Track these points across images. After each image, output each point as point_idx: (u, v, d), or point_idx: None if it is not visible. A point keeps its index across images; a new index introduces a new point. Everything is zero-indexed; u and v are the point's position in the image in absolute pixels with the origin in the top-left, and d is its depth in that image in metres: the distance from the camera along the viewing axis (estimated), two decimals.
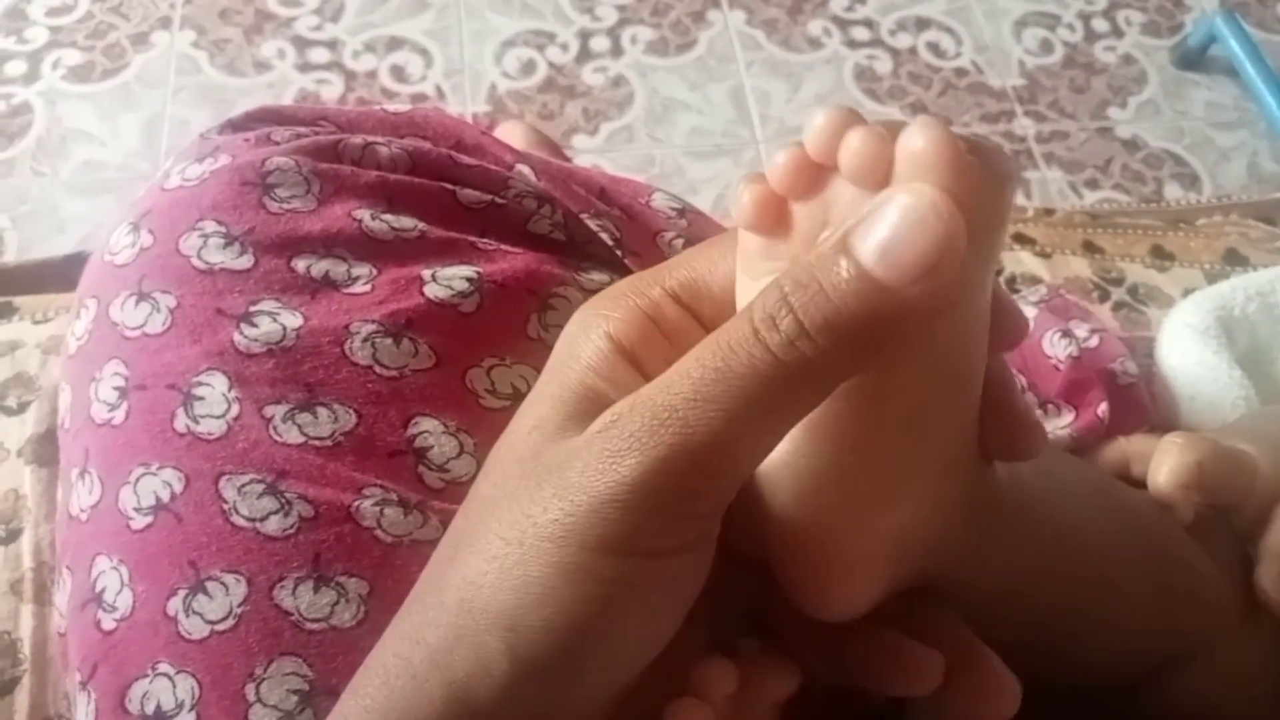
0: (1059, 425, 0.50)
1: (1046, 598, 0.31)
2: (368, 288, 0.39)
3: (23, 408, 0.52)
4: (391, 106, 0.48)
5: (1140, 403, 0.52)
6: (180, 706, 0.33)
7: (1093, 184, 1.21)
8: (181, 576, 0.34)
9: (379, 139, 0.43)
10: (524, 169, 0.45)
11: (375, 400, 0.37)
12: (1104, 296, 0.65)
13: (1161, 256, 0.69)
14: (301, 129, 0.43)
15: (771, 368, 0.21)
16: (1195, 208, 0.80)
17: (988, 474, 0.27)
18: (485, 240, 0.42)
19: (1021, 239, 0.69)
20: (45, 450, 0.50)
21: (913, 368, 0.23)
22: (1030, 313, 0.54)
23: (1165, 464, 0.38)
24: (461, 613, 0.22)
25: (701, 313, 0.25)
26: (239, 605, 0.33)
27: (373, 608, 0.34)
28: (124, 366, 0.37)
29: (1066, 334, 0.52)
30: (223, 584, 0.34)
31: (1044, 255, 0.68)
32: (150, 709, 0.33)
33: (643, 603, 0.23)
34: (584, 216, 0.44)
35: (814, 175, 0.23)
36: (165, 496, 0.35)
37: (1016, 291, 0.60)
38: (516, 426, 0.25)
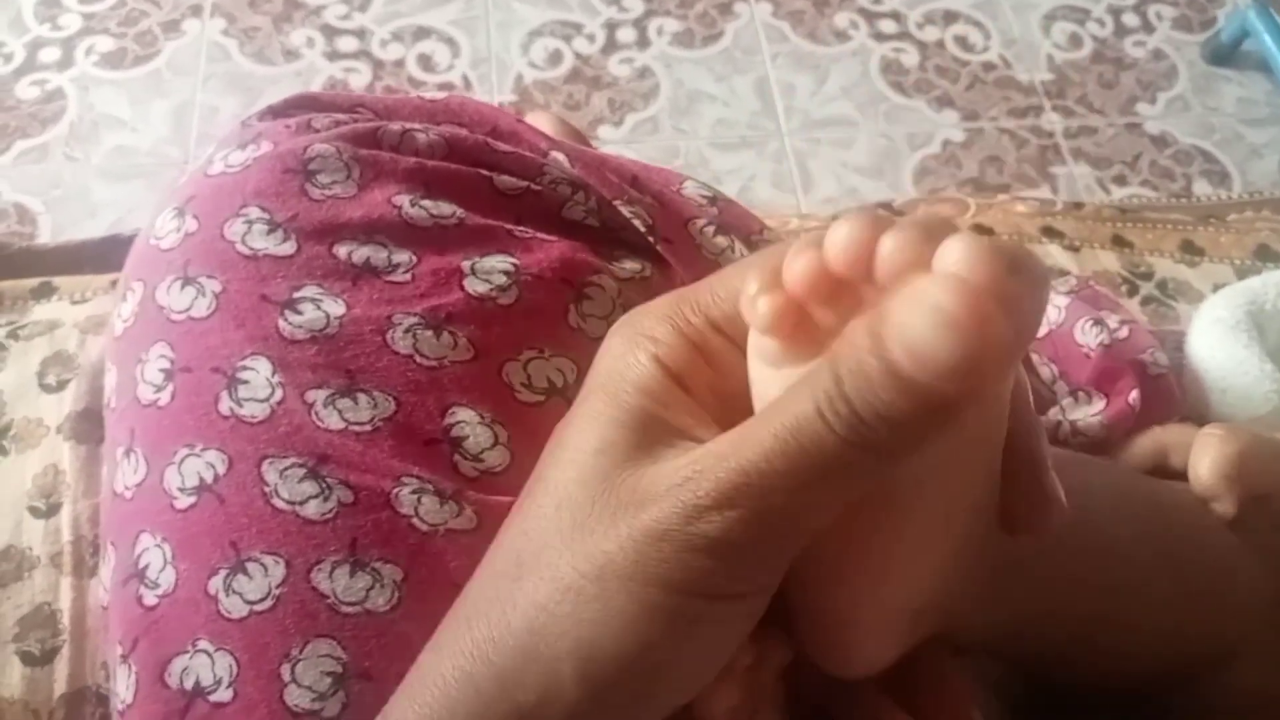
0: (1090, 412, 0.50)
1: (1064, 621, 0.31)
2: (408, 276, 0.39)
3: (62, 385, 0.53)
4: (426, 94, 0.48)
5: (1171, 393, 0.52)
6: (219, 683, 0.34)
7: (1121, 180, 1.20)
8: (223, 556, 0.35)
9: (416, 125, 0.43)
10: (559, 156, 0.45)
11: (414, 388, 0.37)
12: (1133, 291, 0.65)
13: (1191, 251, 0.68)
14: (340, 115, 0.44)
15: (837, 446, 0.21)
16: (1225, 203, 0.80)
17: (1004, 539, 0.28)
18: (521, 228, 0.42)
19: (1050, 232, 0.69)
20: (84, 427, 0.51)
21: (935, 455, 0.23)
22: (1062, 302, 0.54)
23: (1206, 456, 0.38)
24: (533, 638, 0.23)
25: (741, 341, 0.26)
26: (277, 586, 0.34)
27: (407, 594, 0.34)
28: (170, 349, 0.38)
29: (1098, 322, 0.52)
30: (262, 565, 0.34)
31: (1073, 249, 0.67)
32: (189, 684, 0.34)
33: (713, 636, 0.24)
34: (617, 203, 0.45)
35: (837, 282, 0.22)
36: (209, 477, 0.36)
37: None
38: (578, 443, 0.25)
